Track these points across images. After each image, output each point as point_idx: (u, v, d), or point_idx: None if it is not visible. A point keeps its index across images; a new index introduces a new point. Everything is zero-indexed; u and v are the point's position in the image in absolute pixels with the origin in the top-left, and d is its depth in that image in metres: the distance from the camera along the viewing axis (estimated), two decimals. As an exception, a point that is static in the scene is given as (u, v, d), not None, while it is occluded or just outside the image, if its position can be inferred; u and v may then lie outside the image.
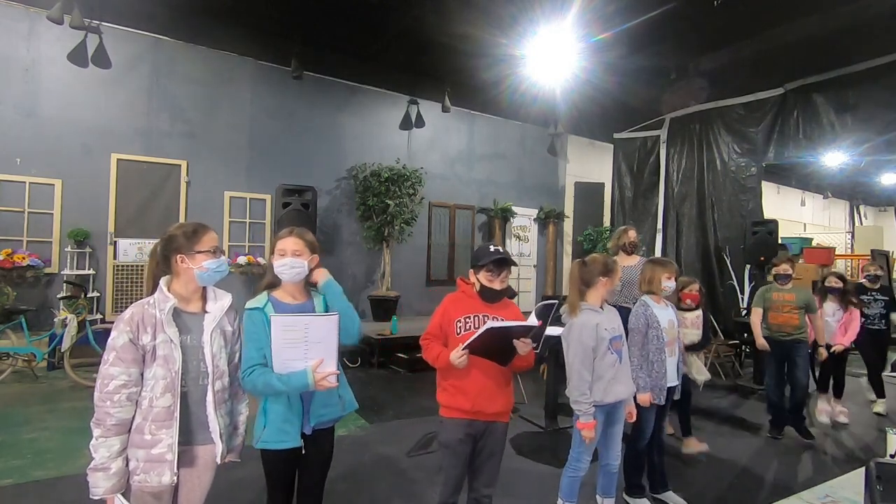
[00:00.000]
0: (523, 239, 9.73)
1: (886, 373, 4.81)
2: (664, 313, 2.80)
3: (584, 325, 2.37)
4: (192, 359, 1.65)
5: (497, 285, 2.07)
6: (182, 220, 6.55)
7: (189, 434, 1.65)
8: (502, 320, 1.98)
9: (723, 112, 7.41)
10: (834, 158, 8.82)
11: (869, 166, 10.10)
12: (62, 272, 5.79)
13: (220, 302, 1.76)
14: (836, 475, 3.38)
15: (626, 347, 2.51)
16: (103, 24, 5.68)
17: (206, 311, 1.72)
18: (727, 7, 5.10)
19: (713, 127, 7.53)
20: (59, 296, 5.61)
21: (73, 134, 5.98)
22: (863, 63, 5.89)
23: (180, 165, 6.59)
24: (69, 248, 5.80)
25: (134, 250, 6.27)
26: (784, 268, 4.12)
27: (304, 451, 1.84)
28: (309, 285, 1.94)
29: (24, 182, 5.76)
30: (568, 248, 10.04)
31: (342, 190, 7.80)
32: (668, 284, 2.77)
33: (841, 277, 4.56)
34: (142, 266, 6.25)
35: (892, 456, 2.44)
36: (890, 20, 5.16)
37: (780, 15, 5.54)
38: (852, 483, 2.63)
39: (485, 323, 1.99)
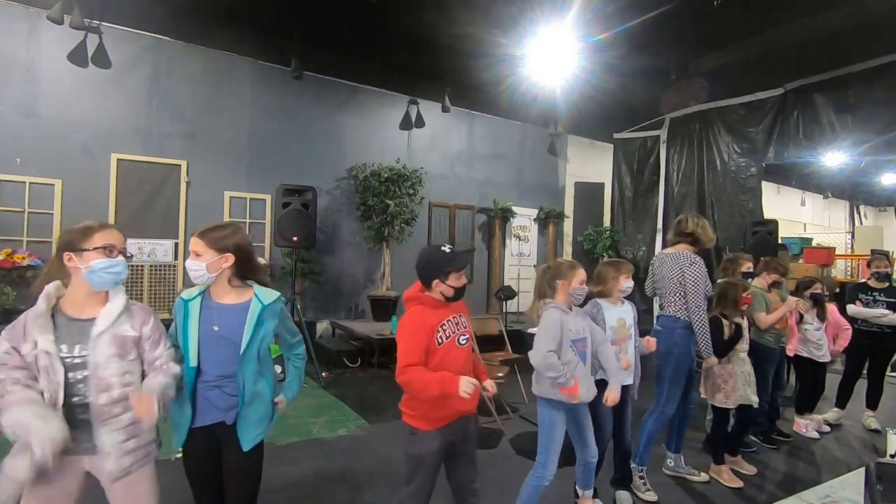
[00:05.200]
0: (523, 239, 9.72)
1: (887, 373, 4.69)
2: (615, 311, 2.79)
3: (551, 320, 2.38)
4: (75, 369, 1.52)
5: (461, 282, 2.03)
6: (182, 220, 6.56)
7: (78, 443, 1.52)
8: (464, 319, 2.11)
9: (723, 112, 7.41)
10: (834, 158, 8.81)
11: (869, 166, 10.09)
12: (62, 272, 5.78)
13: (110, 304, 1.58)
14: (836, 475, 3.39)
15: (589, 352, 2.49)
16: (103, 24, 5.67)
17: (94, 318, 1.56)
18: (727, 7, 5.10)
19: (713, 127, 7.53)
20: (59, 296, 5.61)
21: (73, 134, 5.98)
22: (863, 63, 5.88)
23: (180, 165, 6.59)
24: (69, 248, 5.79)
25: (134, 251, 6.27)
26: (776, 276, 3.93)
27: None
28: (243, 281, 1.89)
29: (24, 182, 5.75)
30: (568, 249, 10.03)
31: (342, 190, 7.80)
32: (627, 284, 2.79)
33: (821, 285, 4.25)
34: (142, 266, 6.25)
35: (892, 456, 2.44)
36: (890, 20, 5.16)
37: (780, 15, 5.54)
38: (852, 483, 2.64)
39: (455, 328, 2.02)
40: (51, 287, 1.53)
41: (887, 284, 4.38)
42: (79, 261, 1.52)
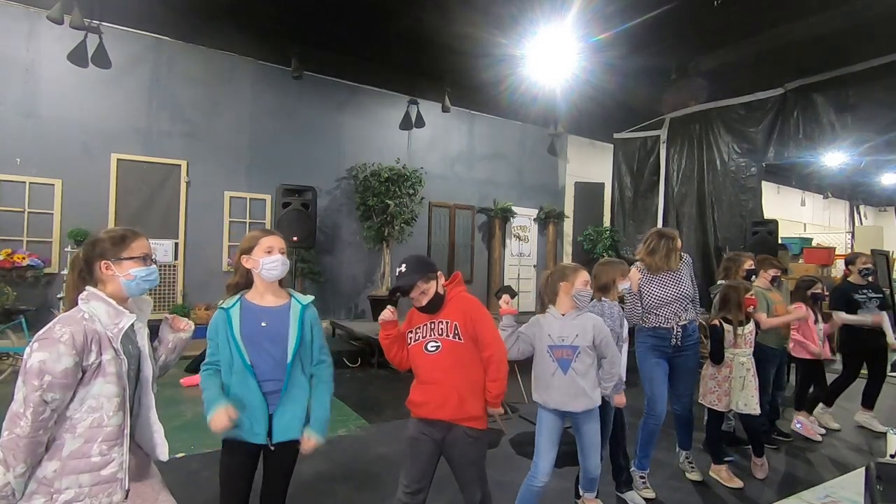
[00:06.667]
0: (523, 239, 9.72)
1: (888, 373, 4.65)
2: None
3: (534, 321, 2.44)
4: (132, 368, 1.57)
5: (420, 303, 2.03)
6: (182, 220, 6.57)
7: (135, 445, 1.59)
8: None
9: (723, 112, 7.42)
10: (834, 158, 8.81)
11: (869, 166, 10.09)
12: (62, 272, 5.79)
13: (145, 308, 1.66)
14: (836, 475, 3.39)
15: (580, 361, 2.34)
16: (103, 24, 5.67)
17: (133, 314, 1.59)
18: (727, 7, 5.10)
19: (713, 127, 7.54)
20: (59, 296, 5.61)
21: (73, 134, 5.98)
22: (863, 63, 5.89)
23: (180, 165, 6.59)
24: (69, 248, 5.79)
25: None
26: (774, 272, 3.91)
27: (271, 448, 1.85)
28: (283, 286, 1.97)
29: (24, 182, 5.76)
30: (568, 249, 10.04)
31: (342, 190, 7.80)
32: (623, 286, 2.76)
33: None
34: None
35: (892, 456, 2.44)
36: (890, 20, 5.16)
37: (779, 15, 5.54)
38: (852, 483, 2.64)
39: (428, 332, 2.06)
40: (103, 293, 1.55)
41: (871, 280, 4.32)
42: (117, 269, 1.54)
